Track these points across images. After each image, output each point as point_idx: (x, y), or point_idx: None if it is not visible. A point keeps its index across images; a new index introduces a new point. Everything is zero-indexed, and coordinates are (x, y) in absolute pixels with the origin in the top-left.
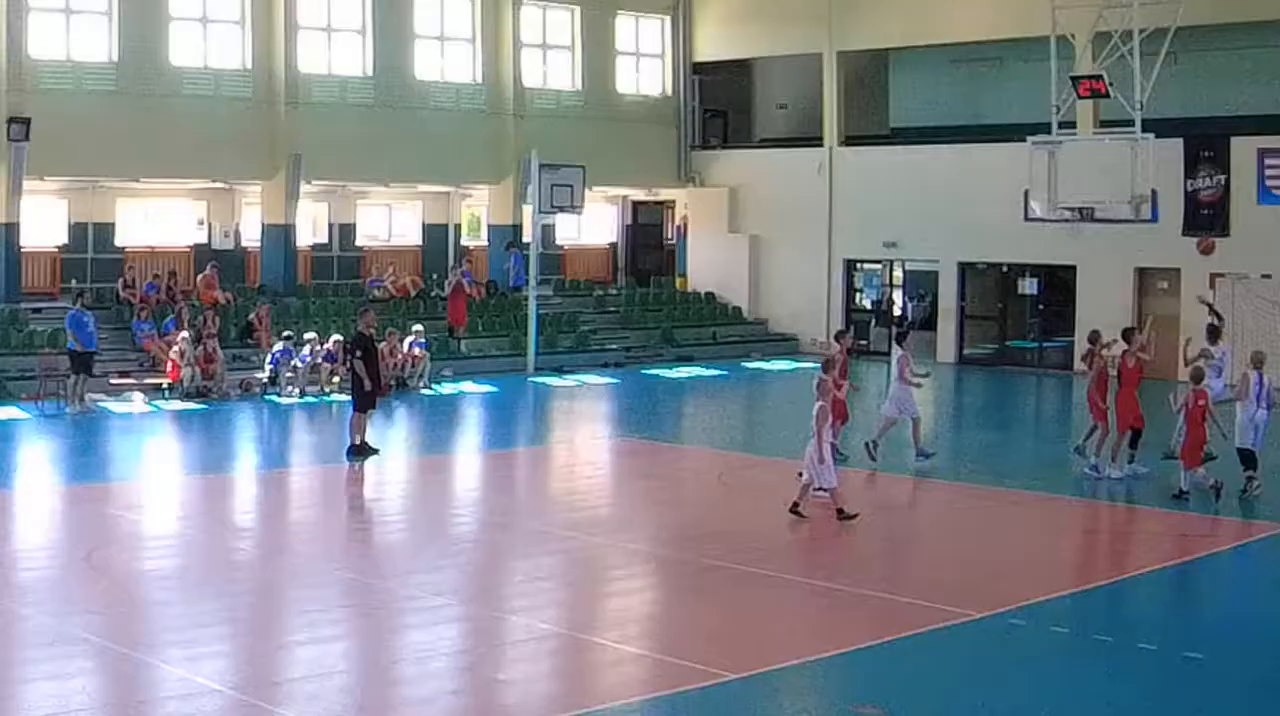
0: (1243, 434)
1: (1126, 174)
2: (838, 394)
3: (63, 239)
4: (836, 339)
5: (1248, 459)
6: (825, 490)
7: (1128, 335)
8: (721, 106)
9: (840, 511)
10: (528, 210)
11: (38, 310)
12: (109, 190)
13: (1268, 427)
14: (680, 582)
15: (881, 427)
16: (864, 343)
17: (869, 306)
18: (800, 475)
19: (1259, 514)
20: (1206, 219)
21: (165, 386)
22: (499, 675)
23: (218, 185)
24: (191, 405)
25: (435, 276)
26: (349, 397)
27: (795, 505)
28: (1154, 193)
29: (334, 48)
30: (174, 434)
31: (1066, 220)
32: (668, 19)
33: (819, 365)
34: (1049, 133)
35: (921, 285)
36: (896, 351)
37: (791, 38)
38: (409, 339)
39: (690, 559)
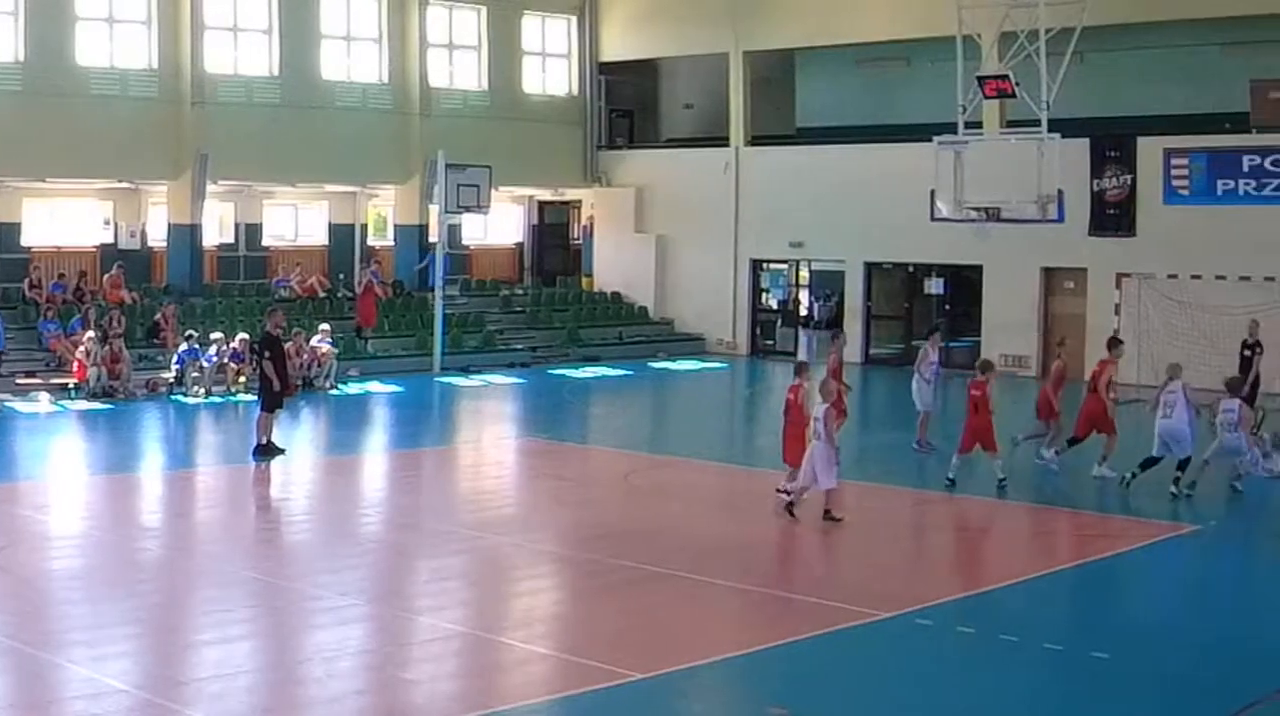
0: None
1: (1033, 174)
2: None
3: None
4: (832, 340)
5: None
6: (796, 491)
7: (1112, 344)
8: (628, 106)
9: (828, 512)
10: (434, 210)
11: None
12: (15, 190)
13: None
14: (586, 582)
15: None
16: (770, 343)
17: (775, 306)
18: (786, 482)
19: (1165, 514)
20: (1113, 219)
21: (71, 386)
22: (405, 674)
23: (124, 185)
24: (97, 405)
25: (342, 276)
26: (256, 397)
27: (790, 505)
28: (1060, 193)
29: (240, 48)
30: (80, 434)
31: (973, 220)
32: (574, 19)
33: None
34: (955, 133)
35: (828, 285)
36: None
37: (697, 38)
38: (315, 338)
39: (597, 559)
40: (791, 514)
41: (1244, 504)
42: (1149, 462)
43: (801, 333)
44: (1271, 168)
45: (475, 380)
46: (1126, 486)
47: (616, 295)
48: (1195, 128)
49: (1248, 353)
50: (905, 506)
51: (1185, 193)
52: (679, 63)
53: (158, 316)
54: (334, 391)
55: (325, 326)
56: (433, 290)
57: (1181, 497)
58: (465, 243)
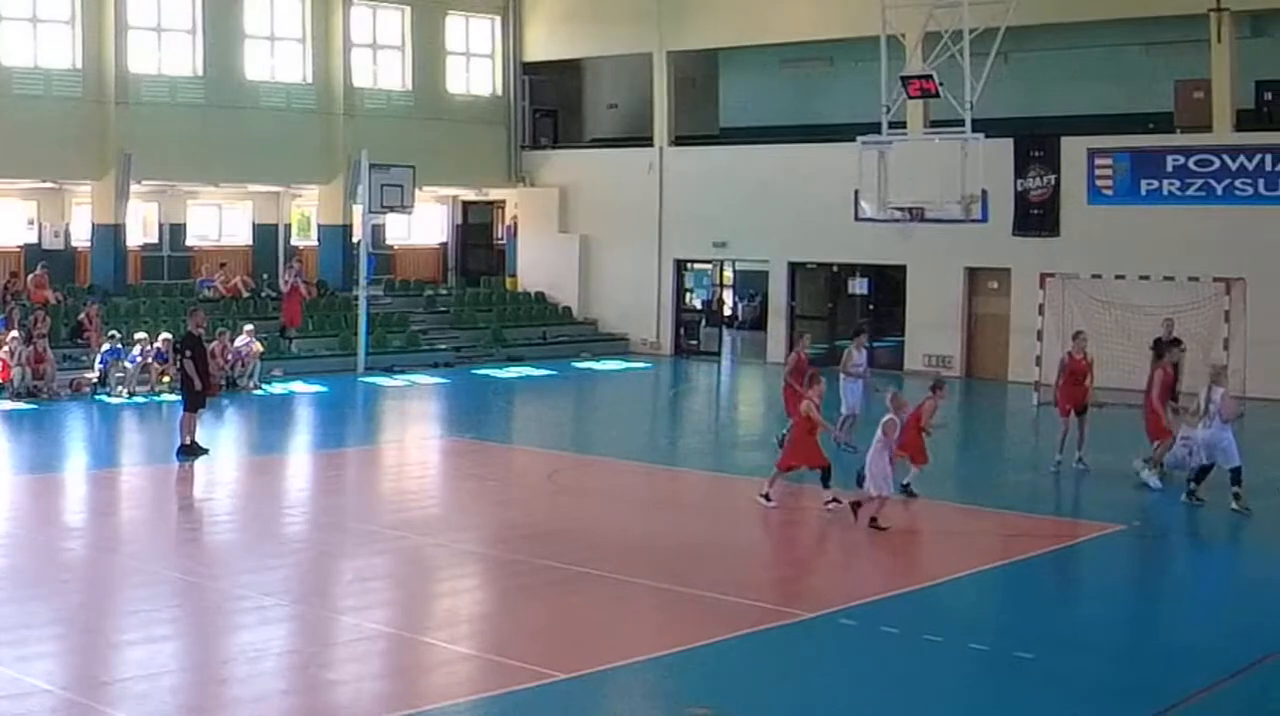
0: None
1: (956, 174)
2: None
3: None
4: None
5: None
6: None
7: (1160, 347)
8: (552, 106)
9: (874, 520)
10: (358, 210)
11: None
12: None
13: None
14: (510, 582)
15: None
16: (694, 343)
17: (699, 306)
18: (860, 488)
19: (1090, 514)
20: (1036, 219)
21: None
22: (329, 675)
23: (48, 185)
24: (21, 405)
25: (266, 276)
26: (179, 397)
27: (874, 519)
28: (984, 193)
29: (164, 47)
30: (3, 434)
31: (896, 220)
32: (498, 19)
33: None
34: (879, 133)
35: (751, 285)
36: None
37: (621, 37)
38: (240, 338)
39: (521, 558)
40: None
41: (1167, 504)
42: (1203, 471)
43: (725, 332)
44: (1195, 168)
45: (399, 380)
46: (1196, 499)
47: (540, 295)
48: (1119, 128)
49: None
50: (828, 506)
51: (1109, 193)
52: (603, 63)
53: (82, 316)
54: (258, 391)
55: (250, 327)
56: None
57: (1241, 513)
58: (389, 243)
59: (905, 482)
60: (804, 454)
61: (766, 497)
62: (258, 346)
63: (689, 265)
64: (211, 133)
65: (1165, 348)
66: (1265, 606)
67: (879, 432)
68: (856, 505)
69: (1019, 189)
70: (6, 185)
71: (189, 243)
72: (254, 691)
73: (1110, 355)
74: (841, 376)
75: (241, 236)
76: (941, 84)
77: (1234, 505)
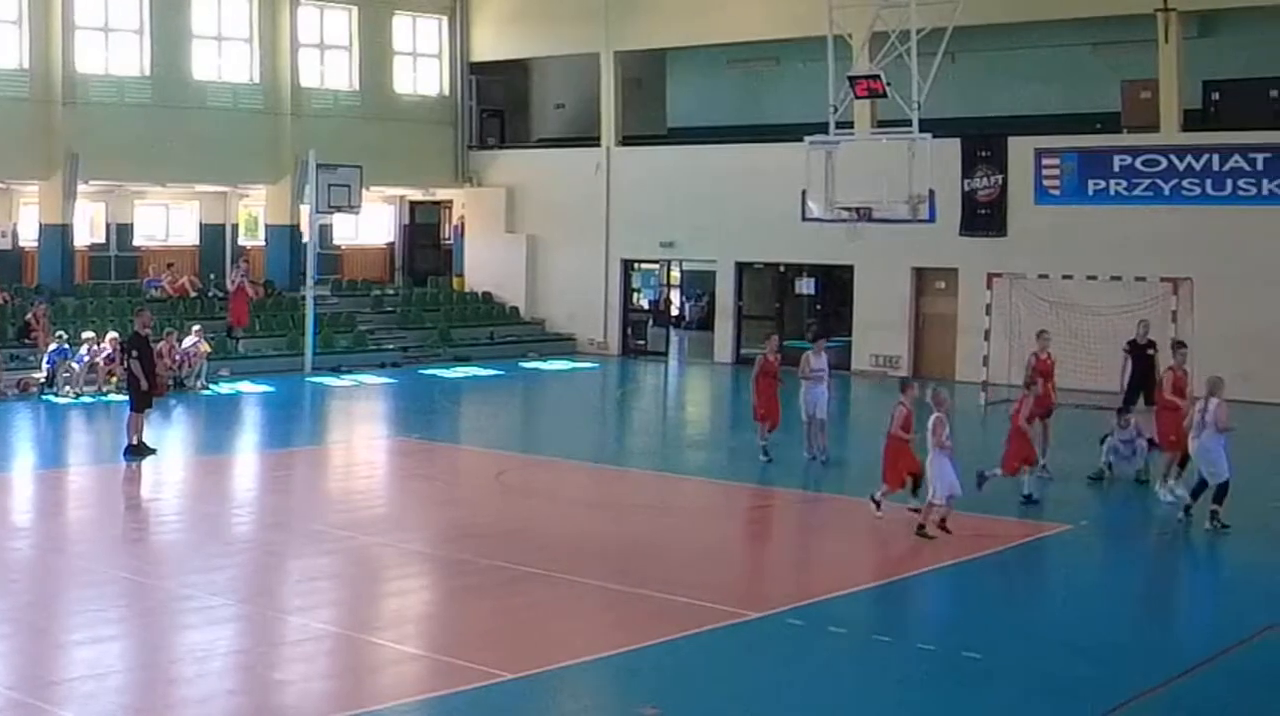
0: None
1: (904, 174)
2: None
3: None
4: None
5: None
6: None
7: (1136, 349)
8: (499, 106)
9: (921, 527)
10: (305, 210)
11: None
12: None
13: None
14: (458, 582)
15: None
16: (641, 343)
17: (646, 306)
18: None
19: (1037, 514)
20: (984, 219)
21: None
22: (276, 674)
23: None
24: None
25: (213, 276)
26: (126, 397)
27: (942, 521)
28: (931, 193)
29: (112, 48)
30: None
31: (844, 220)
32: (445, 19)
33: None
34: (826, 133)
35: (699, 285)
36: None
37: (568, 37)
38: (189, 338)
39: (468, 558)
40: (946, 530)
41: (1115, 503)
42: (1199, 487)
43: (672, 332)
44: (1142, 168)
45: (346, 380)
46: (1189, 516)
47: (488, 295)
48: (1066, 128)
49: (1150, 353)
50: (778, 506)
51: (1056, 193)
52: (550, 62)
53: (29, 316)
54: (205, 391)
55: (198, 327)
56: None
57: (1218, 531)
58: (336, 242)
59: (1027, 493)
60: (904, 464)
61: (877, 505)
62: (205, 346)
63: (636, 265)
64: (159, 133)
65: (1141, 349)
66: (1213, 606)
67: (930, 435)
68: (916, 511)
69: (966, 189)
70: None
71: (136, 243)
72: (201, 691)
73: (1058, 355)
74: (802, 382)
75: (189, 236)
76: (889, 84)
77: (1208, 524)
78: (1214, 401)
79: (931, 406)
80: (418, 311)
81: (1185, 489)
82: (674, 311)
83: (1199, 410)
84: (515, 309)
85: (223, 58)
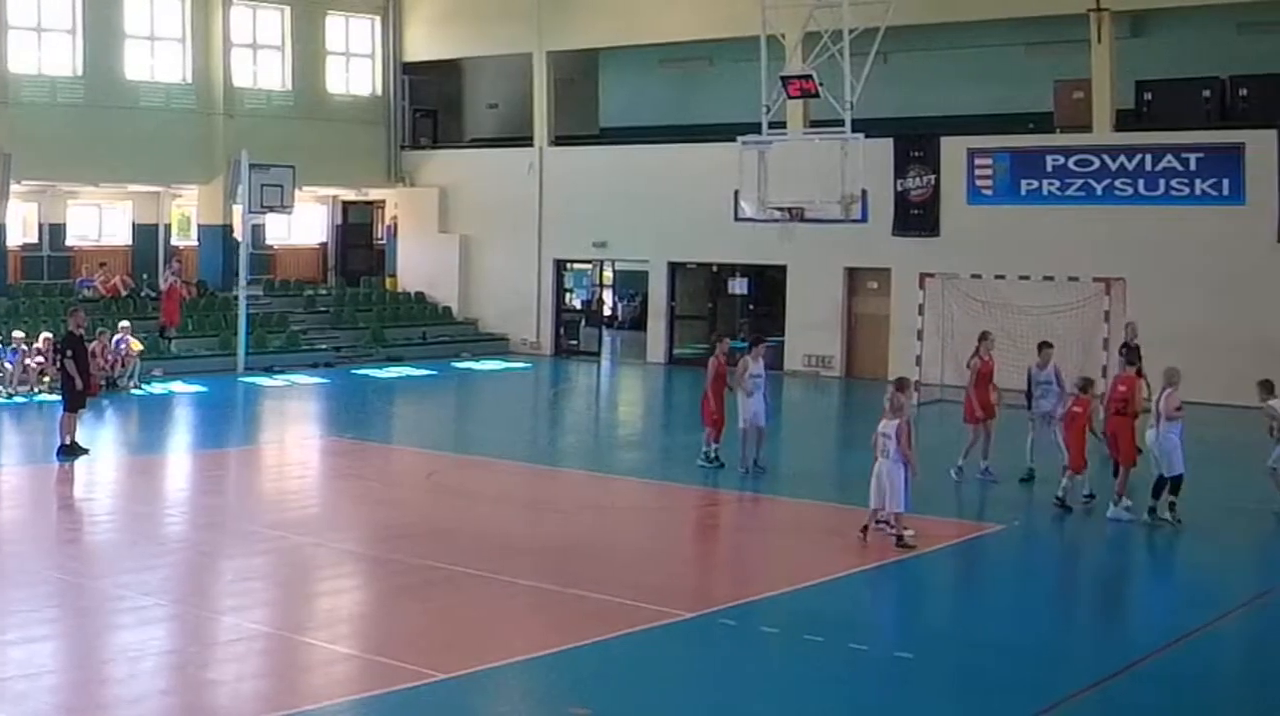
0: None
1: (836, 174)
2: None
3: None
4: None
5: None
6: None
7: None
8: (432, 106)
9: (900, 539)
10: (238, 210)
11: None
12: None
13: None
14: (390, 582)
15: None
16: (574, 343)
17: (579, 306)
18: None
19: (970, 514)
20: (916, 219)
21: None
22: (209, 675)
23: None
24: None
25: (145, 276)
26: (59, 397)
27: (899, 538)
28: (864, 193)
29: (44, 47)
30: None
31: (776, 220)
32: (378, 19)
33: (894, 385)
34: (759, 133)
35: (631, 285)
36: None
37: (501, 37)
38: (117, 337)
39: (400, 559)
40: (864, 534)
41: (1048, 504)
42: (1160, 484)
43: (605, 332)
44: (1075, 168)
45: (279, 380)
46: (1159, 519)
47: (420, 295)
48: (999, 128)
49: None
50: (710, 507)
51: (989, 192)
52: (483, 62)
53: None
54: (138, 391)
55: (125, 323)
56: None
57: (1172, 524)
58: (269, 243)
59: (1087, 493)
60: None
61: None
62: (134, 344)
63: (569, 265)
64: (91, 132)
65: (1137, 354)
66: (1146, 607)
67: (894, 443)
68: (866, 528)
69: (899, 189)
70: None
71: (69, 242)
72: (133, 691)
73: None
74: (739, 391)
75: (121, 236)
76: (821, 84)
77: (1164, 513)
78: (1168, 391)
79: (889, 411)
80: (350, 311)
81: (1127, 506)
82: (607, 311)
83: (1155, 401)
84: (448, 309)
85: (155, 58)
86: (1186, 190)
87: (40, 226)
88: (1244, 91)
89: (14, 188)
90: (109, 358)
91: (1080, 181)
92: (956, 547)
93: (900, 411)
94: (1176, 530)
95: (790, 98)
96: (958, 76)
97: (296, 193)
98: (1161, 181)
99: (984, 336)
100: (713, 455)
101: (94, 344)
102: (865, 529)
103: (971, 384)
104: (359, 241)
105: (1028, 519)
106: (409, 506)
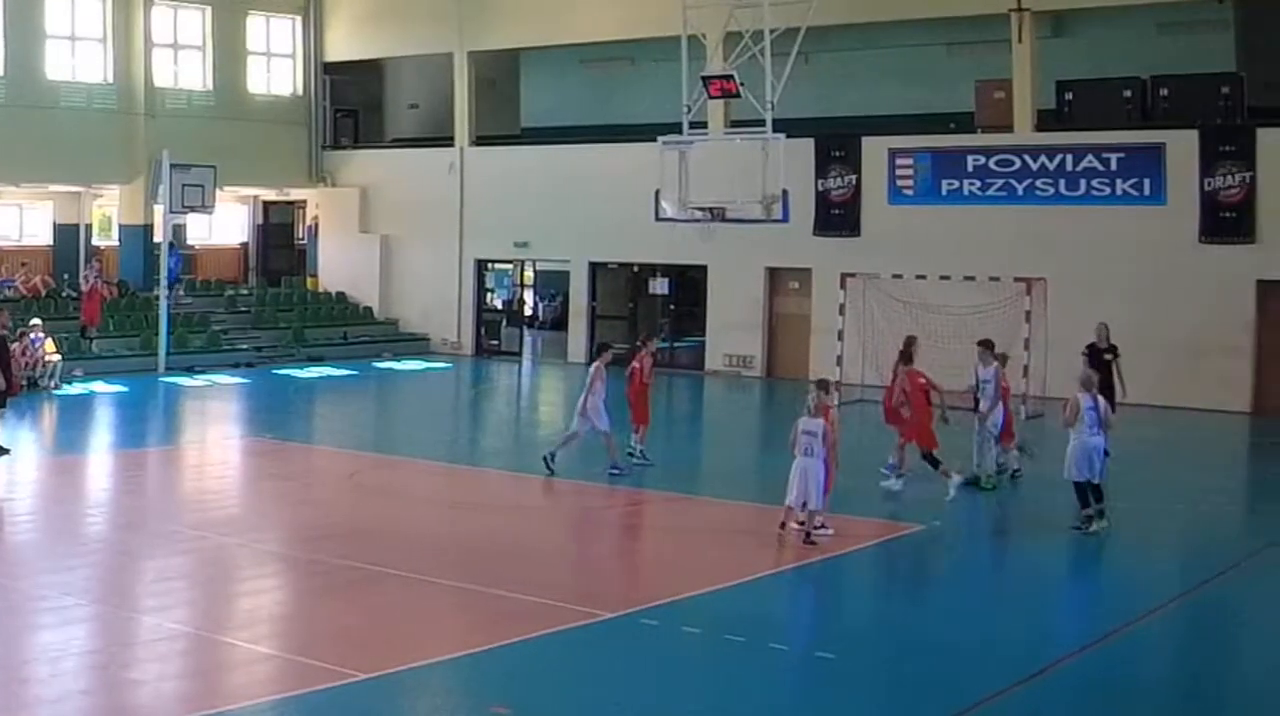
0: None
1: (757, 174)
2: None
3: None
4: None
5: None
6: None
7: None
8: (353, 106)
9: (808, 536)
10: (159, 210)
11: None
12: None
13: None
14: (312, 582)
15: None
16: (495, 343)
17: (500, 306)
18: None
19: (889, 514)
20: (837, 219)
21: None
22: (130, 674)
23: None
24: None
25: (66, 276)
26: None
27: (808, 534)
28: (785, 193)
29: None
30: None
31: (697, 220)
32: (299, 19)
33: (816, 387)
34: (680, 133)
35: (553, 285)
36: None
37: (422, 37)
38: (32, 335)
39: (321, 559)
40: (782, 531)
41: (966, 503)
42: (1081, 491)
43: (526, 332)
44: (996, 168)
45: (200, 380)
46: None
47: (341, 295)
48: (920, 128)
49: (1108, 357)
50: (631, 507)
51: (910, 193)
52: (404, 62)
53: None
54: (58, 391)
55: (36, 321)
56: (175, 285)
57: (1089, 533)
58: (190, 243)
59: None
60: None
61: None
62: (49, 345)
63: (490, 265)
64: (12, 132)
65: (1100, 353)
66: (1067, 607)
67: (820, 442)
68: (808, 535)
69: (820, 189)
70: None
71: None
72: (54, 691)
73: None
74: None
75: (42, 236)
76: (742, 84)
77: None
78: (1084, 396)
79: (812, 411)
80: (272, 311)
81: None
82: (528, 311)
83: (1085, 407)
84: (369, 309)
85: (76, 57)
86: (1108, 190)
87: None
88: (1164, 91)
89: None
90: (29, 358)
91: (1001, 181)
92: (877, 547)
93: (824, 411)
94: (1101, 531)
95: (711, 97)
96: (879, 76)
97: (218, 192)
98: (1083, 181)
99: (911, 341)
100: (638, 453)
101: (15, 345)
102: (783, 525)
103: (917, 399)
104: (280, 241)
105: (949, 518)
106: (331, 506)
